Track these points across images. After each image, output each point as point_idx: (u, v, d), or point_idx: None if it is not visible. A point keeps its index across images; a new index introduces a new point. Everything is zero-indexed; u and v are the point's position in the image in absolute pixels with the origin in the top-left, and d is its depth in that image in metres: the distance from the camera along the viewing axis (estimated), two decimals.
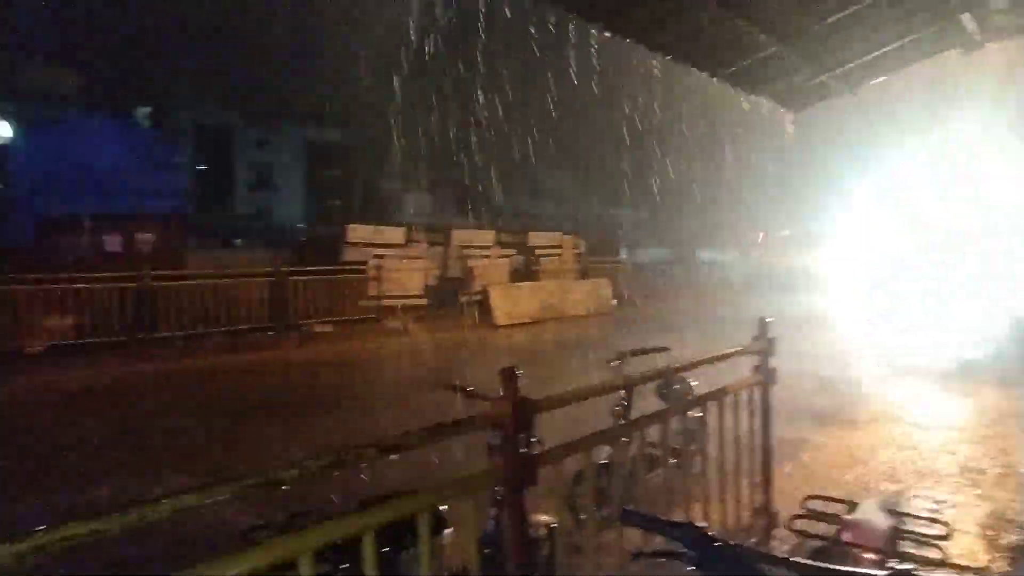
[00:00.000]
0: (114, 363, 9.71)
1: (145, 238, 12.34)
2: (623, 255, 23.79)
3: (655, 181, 29.49)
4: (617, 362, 3.98)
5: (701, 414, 3.39)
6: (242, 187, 44.37)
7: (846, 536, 2.01)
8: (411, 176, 33.32)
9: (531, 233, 19.55)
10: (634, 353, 4.02)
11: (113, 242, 11.99)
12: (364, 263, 14.20)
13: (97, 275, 10.49)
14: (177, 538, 3.00)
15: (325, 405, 7.60)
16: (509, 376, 1.87)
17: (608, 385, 2.83)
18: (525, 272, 17.93)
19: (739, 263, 27.06)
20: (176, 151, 15.40)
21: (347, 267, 13.99)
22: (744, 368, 3.35)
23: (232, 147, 43.71)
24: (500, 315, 14.86)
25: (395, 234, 15.87)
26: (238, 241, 27.29)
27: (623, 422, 3.54)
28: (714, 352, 3.20)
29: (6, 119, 29.17)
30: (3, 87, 30.20)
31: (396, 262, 14.87)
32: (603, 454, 3.07)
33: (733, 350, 3.25)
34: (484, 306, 15.10)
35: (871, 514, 2.13)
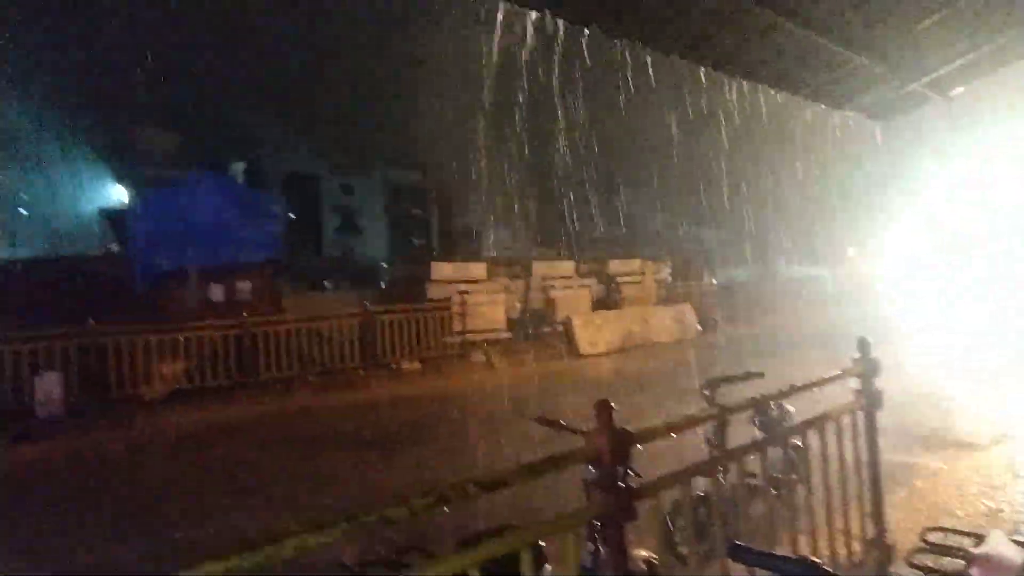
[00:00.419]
0: (222, 406, 10.31)
1: (244, 286, 13.09)
2: (707, 277, 23.26)
3: (737, 200, 28.76)
4: (709, 390, 3.90)
5: (801, 442, 3.26)
6: (328, 231, 46.50)
7: (974, 572, 1.88)
8: (489, 211, 33.93)
9: (611, 261, 19.47)
10: (726, 380, 3.93)
11: (216, 292, 12.79)
12: (448, 299, 14.52)
13: (203, 324, 11.20)
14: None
15: (418, 441, 7.78)
16: (603, 408, 1.89)
17: (703, 415, 2.78)
18: (607, 300, 17.83)
19: (827, 278, 25.99)
20: (269, 202, 16.35)
21: (431, 304, 14.34)
22: (843, 388, 3.21)
23: (319, 194, 46.04)
24: (583, 345, 14.81)
25: (477, 269, 16.17)
26: (326, 283, 28.48)
27: (718, 452, 3.46)
28: (812, 377, 3.08)
29: (122, 184, 32.05)
30: (118, 154, 33.22)
31: (479, 297, 15.12)
32: (700, 485, 3.00)
33: (833, 374, 3.12)
34: (567, 337, 15.09)
35: (1002, 547, 1.98)
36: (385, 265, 35.16)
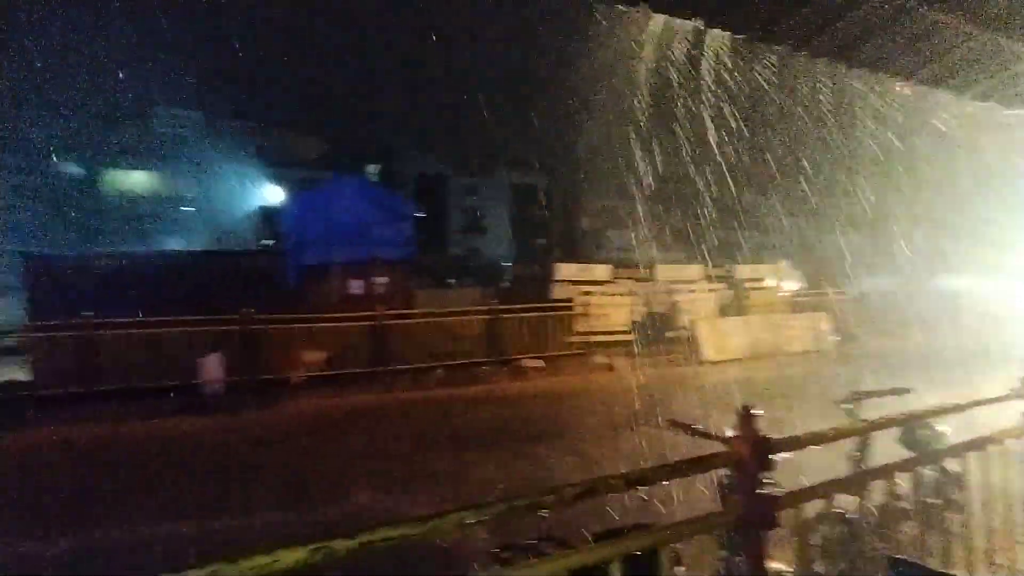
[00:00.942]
0: (356, 392, 11.06)
1: (380, 281, 13.98)
2: (846, 286, 21.78)
3: (883, 205, 26.70)
4: (850, 404, 3.72)
5: (958, 466, 3.05)
6: (454, 230, 48.11)
7: None
8: (614, 212, 33.69)
9: (739, 266, 18.76)
10: (870, 394, 3.73)
11: (355, 286, 13.76)
12: (571, 300, 14.64)
13: (343, 315, 12.03)
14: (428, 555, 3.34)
15: (545, 437, 7.92)
16: (747, 415, 1.90)
17: (851, 428, 2.68)
18: (734, 306, 17.19)
19: (985, 290, 23.51)
20: (402, 203, 17.27)
21: (555, 304, 14.51)
22: (1007, 410, 2.96)
23: (446, 194, 47.76)
24: (708, 350, 14.38)
25: (601, 271, 16.16)
26: (451, 281, 29.52)
27: (860, 468, 3.31)
28: (970, 396, 2.86)
29: (278, 185, 35.02)
30: (274, 158, 36.30)
31: (602, 298, 15.11)
32: (841, 502, 2.89)
33: (998, 395, 2.89)
34: (691, 341, 14.72)
35: None
36: (507, 264, 35.87)
